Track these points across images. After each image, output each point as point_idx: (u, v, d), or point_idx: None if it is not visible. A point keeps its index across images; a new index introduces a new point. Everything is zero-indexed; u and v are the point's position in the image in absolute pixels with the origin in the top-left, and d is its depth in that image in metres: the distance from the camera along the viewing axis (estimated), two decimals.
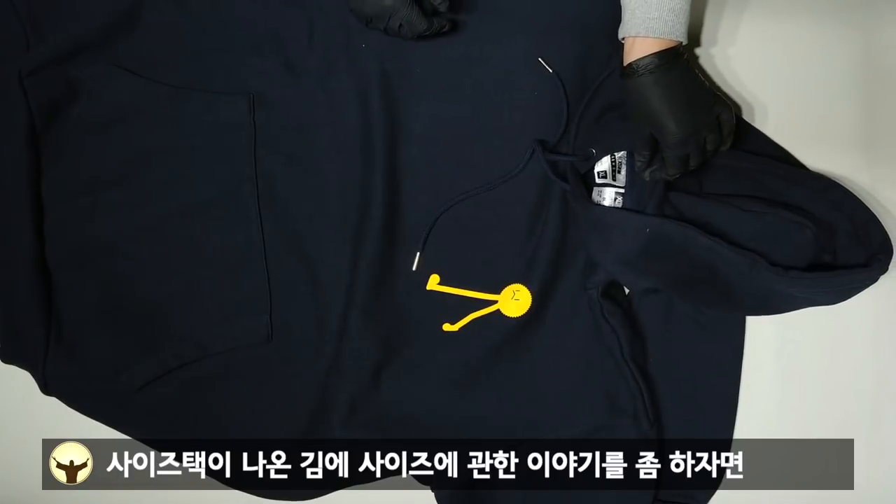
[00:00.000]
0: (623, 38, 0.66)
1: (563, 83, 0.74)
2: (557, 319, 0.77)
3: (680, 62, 0.65)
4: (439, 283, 0.76)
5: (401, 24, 0.68)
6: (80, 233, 0.76)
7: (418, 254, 0.76)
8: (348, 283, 0.75)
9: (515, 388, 0.77)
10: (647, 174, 0.68)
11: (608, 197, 0.73)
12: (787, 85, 0.76)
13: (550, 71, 0.74)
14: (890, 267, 0.66)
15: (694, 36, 0.76)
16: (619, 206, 0.72)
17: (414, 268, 0.76)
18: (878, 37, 0.75)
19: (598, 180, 0.73)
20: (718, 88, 0.76)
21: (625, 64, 0.65)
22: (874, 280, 0.65)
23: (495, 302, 0.76)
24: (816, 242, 0.67)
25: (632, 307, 0.78)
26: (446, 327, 0.77)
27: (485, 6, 0.74)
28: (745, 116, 0.76)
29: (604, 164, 0.73)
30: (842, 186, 0.70)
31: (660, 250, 0.68)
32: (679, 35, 0.64)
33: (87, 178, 0.75)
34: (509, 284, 0.76)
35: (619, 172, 0.73)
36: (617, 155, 0.72)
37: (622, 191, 0.72)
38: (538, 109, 0.75)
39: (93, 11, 0.74)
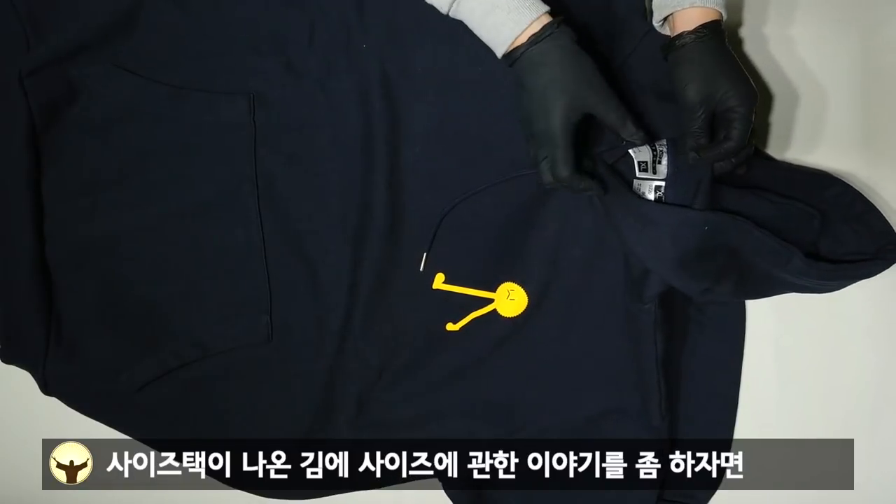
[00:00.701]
0: (671, 14, 0.66)
1: None
2: (559, 318, 0.76)
3: (724, 37, 0.65)
4: (444, 282, 0.76)
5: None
6: (80, 233, 0.76)
7: (426, 253, 0.76)
8: (350, 283, 0.75)
9: (518, 375, 0.77)
10: (699, 157, 0.64)
11: (649, 190, 0.66)
12: (786, 85, 0.76)
13: None
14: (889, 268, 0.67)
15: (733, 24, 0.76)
16: (662, 200, 0.66)
17: (422, 268, 0.76)
18: (878, 36, 0.75)
19: (638, 173, 0.67)
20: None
21: (675, 34, 0.65)
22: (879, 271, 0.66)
23: (493, 301, 0.76)
24: (819, 231, 0.67)
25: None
26: (449, 327, 0.77)
27: None
28: None
29: (644, 154, 0.67)
30: (841, 181, 0.70)
31: (714, 245, 0.65)
32: (723, 8, 0.65)
33: (87, 178, 0.75)
34: (505, 282, 0.76)
35: (659, 163, 0.67)
36: (657, 143, 0.68)
37: (662, 184, 0.66)
38: None
39: (93, 11, 0.73)
